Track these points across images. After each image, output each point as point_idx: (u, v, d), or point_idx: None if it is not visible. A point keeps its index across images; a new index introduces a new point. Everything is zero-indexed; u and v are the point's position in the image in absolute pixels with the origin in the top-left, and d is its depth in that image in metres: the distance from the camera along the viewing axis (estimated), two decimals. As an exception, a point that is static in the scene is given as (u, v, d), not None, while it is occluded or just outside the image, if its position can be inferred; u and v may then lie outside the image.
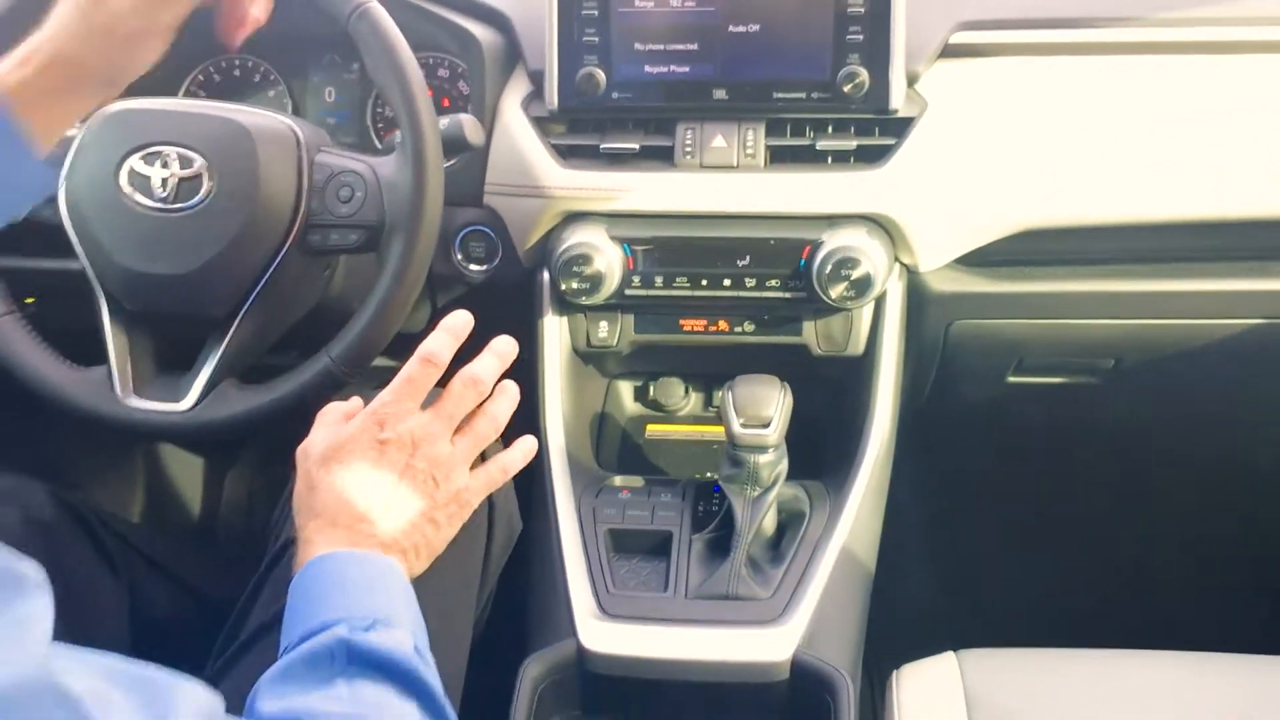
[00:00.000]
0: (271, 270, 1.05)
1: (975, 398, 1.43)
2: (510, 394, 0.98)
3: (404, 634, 0.78)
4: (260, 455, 1.85)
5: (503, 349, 0.96)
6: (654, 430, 1.37)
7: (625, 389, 1.40)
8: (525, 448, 1.00)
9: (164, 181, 1.03)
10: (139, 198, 1.04)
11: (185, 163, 1.03)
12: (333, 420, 0.93)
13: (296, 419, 1.01)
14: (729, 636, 1.04)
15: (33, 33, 0.89)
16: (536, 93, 1.25)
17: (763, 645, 1.03)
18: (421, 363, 0.91)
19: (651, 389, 1.38)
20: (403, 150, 1.04)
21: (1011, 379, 1.39)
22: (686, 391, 1.38)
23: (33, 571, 0.52)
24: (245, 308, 1.05)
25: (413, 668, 0.75)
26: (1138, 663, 1.02)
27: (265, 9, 0.95)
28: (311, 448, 0.91)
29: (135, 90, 1.09)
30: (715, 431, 1.35)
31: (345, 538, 0.85)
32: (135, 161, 1.04)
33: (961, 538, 1.62)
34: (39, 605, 0.51)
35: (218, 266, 1.03)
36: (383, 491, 0.88)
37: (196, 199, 1.03)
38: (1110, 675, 1.00)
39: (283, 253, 1.04)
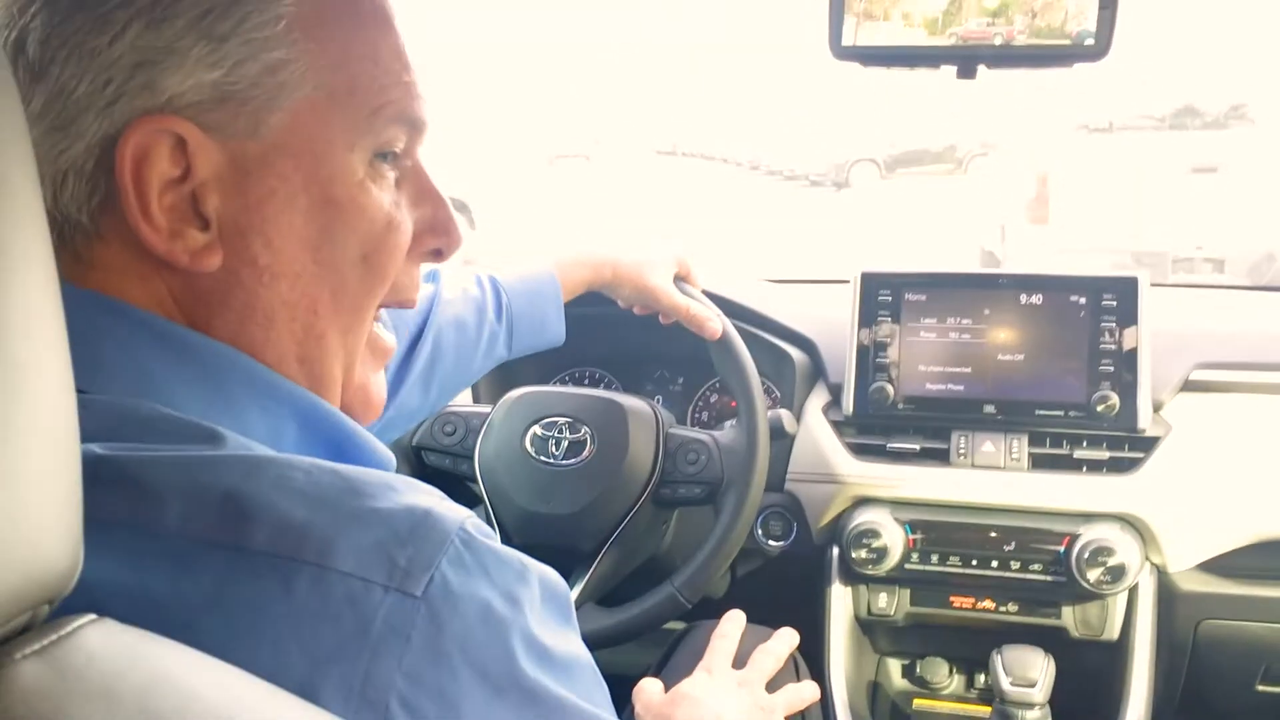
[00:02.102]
0: (630, 515, 1.32)
1: (1227, 704, 1.52)
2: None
3: None
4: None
5: (790, 638, 1.25)
6: (921, 704, 1.53)
7: (894, 666, 1.57)
8: (811, 686, 1.22)
9: (557, 443, 1.35)
10: (537, 455, 1.36)
11: (574, 429, 1.35)
12: (657, 689, 1.16)
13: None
14: None
15: None
16: (834, 401, 1.54)
17: None
18: (721, 638, 1.21)
19: (919, 667, 1.55)
20: (738, 426, 1.33)
21: (1260, 687, 1.49)
22: (951, 672, 1.54)
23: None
24: (608, 545, 1.32)
25: None
26: None
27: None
28: (654, 695, 1.13)
29: (524, 384, 1.45)
30: (980, 710, 1.50)
31: None
32: (536, 429, 1.37)
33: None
34: None
35: (591, 510, 1.32)
36: (730, 714, 1.09)
37: (581, 457, 1.34)
38: None
39: (640, 502, 1.33)
